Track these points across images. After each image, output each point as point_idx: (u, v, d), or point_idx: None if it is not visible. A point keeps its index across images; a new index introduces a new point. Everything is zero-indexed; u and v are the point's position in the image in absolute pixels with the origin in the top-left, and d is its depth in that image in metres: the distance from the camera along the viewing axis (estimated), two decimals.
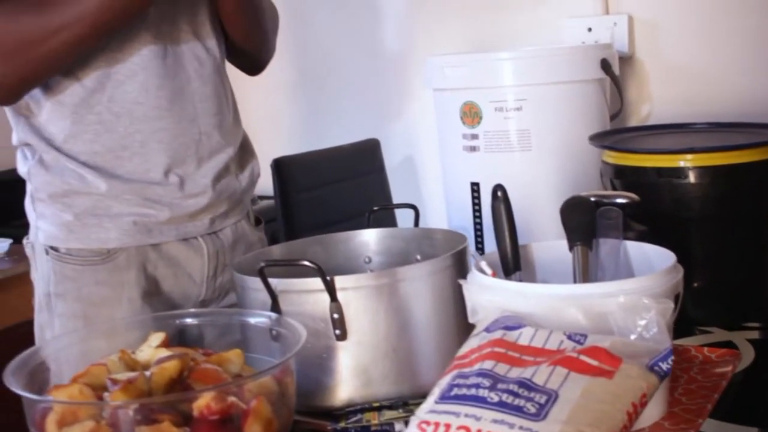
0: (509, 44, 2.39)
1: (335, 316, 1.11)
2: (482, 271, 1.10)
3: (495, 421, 0.84)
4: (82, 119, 1.31)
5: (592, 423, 0.84)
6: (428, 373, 1.13)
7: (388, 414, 1.09)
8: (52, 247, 1.36)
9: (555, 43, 2.27)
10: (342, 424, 1.08)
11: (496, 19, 2.45)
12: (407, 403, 1.11)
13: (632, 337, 0.94)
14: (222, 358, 1.02)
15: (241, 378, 0.98)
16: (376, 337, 1.13)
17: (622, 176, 1.45)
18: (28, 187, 1.39)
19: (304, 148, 2.57)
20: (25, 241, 1.43)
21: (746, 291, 1.41)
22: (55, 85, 1.30)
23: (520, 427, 0.83)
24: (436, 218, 2.44)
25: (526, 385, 0.87)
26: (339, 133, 2.72)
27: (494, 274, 1.10)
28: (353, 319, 1.11)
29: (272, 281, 1.12)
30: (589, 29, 2.23)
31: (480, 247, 1.85)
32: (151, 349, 1.04)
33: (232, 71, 1.52)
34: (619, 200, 1.20)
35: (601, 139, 1.58)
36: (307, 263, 1.10)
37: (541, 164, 1.79)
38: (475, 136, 1.81)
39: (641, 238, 1.20)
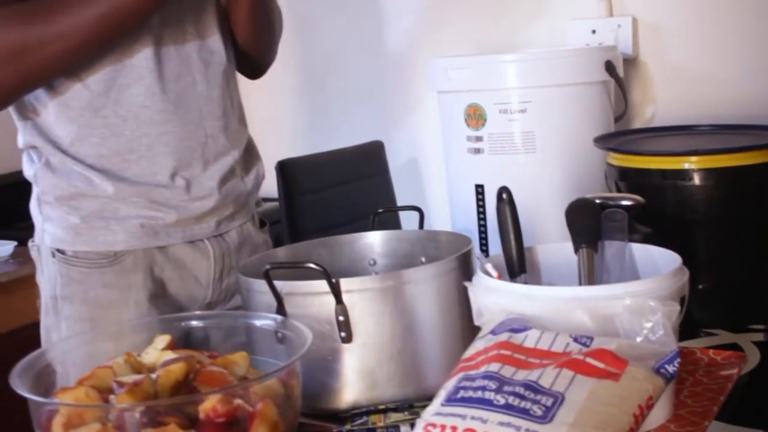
0: (513, 46, 2.39)
1: (340, 318, 1.11)
2: (488, 273, 1.10)
3: (501, 424, 0.84)
4: (89, 123, 1.32)
5: (598, 425, 0.84)
6: (433, 375, 1.13)
7: (394, 416, 1.09)
8: (58, 250, 1.36)
9: (559, 46, 2.27)
10: (347, 427, 1.08)
11: (500, 22, 2.45)
12: (413, 405, 1.11)
13: (638, 339, 0.94)
14: (228, 361, 1.02)
15: (247, 380, 0.98)
16: (381, 340, 1.13)
17: (627, 178, 1.45)
18: (35, 190, 1.39)
19: (309, 150, 2.58)
20: (30, 243, 1.43)
21: (751, 293, 1.41)
22: (62, 88, 1.31)
23: (527, 430, 0.83)
24: (440, 220, 2.44)
25: (533, 387, 0.87)
26: (343, 135, 2.73)
27: (500, 277, 1.10)
28: (358, 322, 1.11)
29: (277, 284, 1.12)
30: (593, 31, 2.23)
31: (484, 249, 1.85)
32: (157, 352, 1.04)
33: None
34: (625, 202, 1.20)
35: (605, 141, 1.59)
36: (312, 266, 1.10)
37: (546, 166, 1.79)
38: (479, 138, 1.81)
39: (646, 240, 1.20)
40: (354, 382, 1.13)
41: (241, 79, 1.54)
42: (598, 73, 1.84)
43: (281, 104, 3.02)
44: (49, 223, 1.37)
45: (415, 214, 1.39)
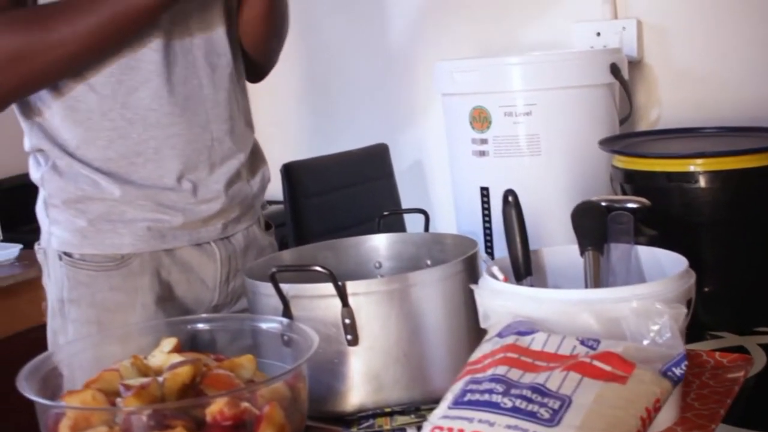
0: (518, 49, 2.39)
1: (347, 321, 1.11)
2: (494, 276, 1.10)
3: (509, 427, 0.84)
4: (96, 125, 1.32)
5: (605, 428, 0.84)
6: (440, 378, 1.13)
7: (400, 419, 1.09)
8: (65, 253, 1.36)
9: (564, 48, 2.27)
10: (354, 430, 1.08)
11: (505, 24, 2.45)
12: (419, 408, 1.11)
13: (645, 342, 0.94)
14: (234, 364, 1.02)
15: (254, 384, 0.98)
16: (387, 343, 1.13)
17: (632, 181, 1.45)
18: (41, 193, 1.39)
19: (313, 153, 2.58)
20: (36, 246, 1.43)
21: (757, 295, 1.41)
22: (68, 91, 1.31)
23: None
24: (444, 223, 2.44)
25: (540, 390, 0.87)
26: (348, 138, 2.73)
27: (506, 279, 1.10)
28: (365, 325, 1.12)
29: (284, 286, 1.12)
30: (598, 34, 2.23)
31: (489, 252, 1.85)
32: (164, 355, 1.04)
33: None
34: (631, 205, 1.20)
35: (610, 144, 1.59)
36: (319, 269, 1.10)
37: (551, 169, 1.79)
38: (484, 141, 1.81)
39: (652, 243, 1.20)
40: (360, 385, 1.13)
41: (247, 83, 1.54)
42: (602, 75, 1.84)
43: (286, 107, 3.02)
44: (56, 226, 1.37)
45: (420, 217, 1.39)
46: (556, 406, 0.85)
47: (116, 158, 1.33)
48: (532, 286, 1.16)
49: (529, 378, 0.89)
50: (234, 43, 1.44)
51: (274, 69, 1.61)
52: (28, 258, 2.63)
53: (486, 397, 0.88)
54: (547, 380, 0.88)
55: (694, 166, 1.37)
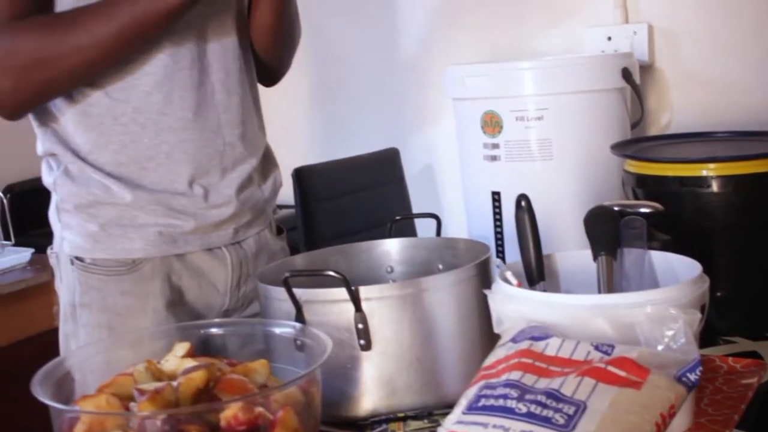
0: (529, 54, 2.39)
1: (360, 326, 1.11)
2: (507, 281, 1.10)
3: None
4: (108, 130, 1.32)
5: None
6: (453, 383, 1.13)
7: (413, 424, 1.09)
8: (77, 258, 1.36)
9: (575, 53, 2.27)
10: None
11: (516, 29, 2.45)
12: (432, 413, 1.11)
13: (659, 347, 0.93)
14: (248, 369, 1.01)
15: (268, 388, 0.98)
16: (400, 347, 1.13)
17: (644, 185, 1.45)
18: (54, 198, 1.40)
19: (325, 157, 2.58)
20: (49, 251, 1.44)
21: None
22: (81, 96, 1.31)
23: None
24: (455, 227, 2.44)
25: (554, 395, 0.87)
26: (358, 142, 2.73)
27: (519, 284, 1.10)
28: (377, 329, 1.11)
29: (296, 291, 1.12)
30: (609, 38, 2.23)
31: (501, 257, 1.85)
32: (177, 359, 1.04)
33: None
34: (644, 210, 1.20)
35: (622, 148, 1.58)
36: (332, 273, 1.10)
37: (563, 173, 1.79)
38: (496, 146, 1.81)
39: (665, 247, 1.20)
40: (373, 390, 1.13)
41: (259, 87, 1.54)
42: (614, 80, 1.84)
43: (297, 112, 3.03)
44: (68, 231, 1.37)
45: (431, 221, 1.39)
46: (571, 411, 0.85)
47: (128, 163, 1.34)
48: (545, 291, 1.15)
49: (543, 383, 0.89)
50: (247, 48, 1.44)
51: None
52: (40, 262, 2.63)
53: (500, 402, 0.88)
54: (562, 385, 0.88)
55: (707, 170, 1.37)
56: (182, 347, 1.06)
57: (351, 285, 1.10)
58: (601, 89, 1.83)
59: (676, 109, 2.20)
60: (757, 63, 2.08)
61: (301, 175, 2.38)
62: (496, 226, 1.85)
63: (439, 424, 0.93)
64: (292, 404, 0.94)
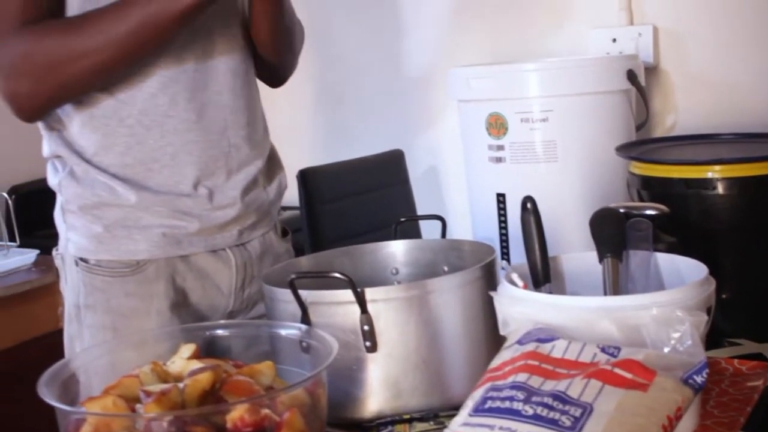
0: (534, 55, 2.39)
1: (365, 328, 1.11)
2: (513, 282, 1.10)
3: None
4: (113, 132, 1.32)
5: None
6: (459, 385, 1.13)
7: (419, 426, 1.09)
8: (82, 259, 1.37)
9: (580, 54, 2.27)
10: None
11: (521, 31, 2.45)
12: (438, 415, 1.11)
13: (666, 349, 0.93)
14: (254, 370, 1.01)
15: (275, 390, 0.98)
16: (406, 349, 1.13)
17: (650, 187, 1.45)
18: (59, 199, 1.40)
19: (329, 159, 2.58)
20: (54, 252, 1.44)
21: None
22: (86, 97, 1.31)
23: None
24: (460, 229, 2.43)
25: (561, 398, 0.87)
26: (363, 144, 2.73)
27: (525, 286, 1.10)
28: (383, 331, 1.11)
29: (302, 293, 1.12)
30: (614, 40, 2.23)
31: (506, 258, 1.85)
32: (183, 361, 1.04)
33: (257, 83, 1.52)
34: (649, 212, 1.20)
35: (627, 150, 1.58)
36: (338, 275, 1.10)
37: (568, 175, 1.79)
38: (500, 147, 1.81)
39: (671, 249, 1.20)
40: (379, 392, 1.13)
41: (263, 88, 1.55)
42: (619, 81, 1.84)
43: (302, 113, 3.03)
44: (73, 232, 1.38)
45: (435, 223, 1.39)
46: (578, 413, 0.85)
47: (133, 164, 1.34)
48: (550, 292, 1.15)
49: (550, 385, 0.89)
50: (251, 50, 1.44)
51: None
52: (44, 263, 2.63)
53: (507, 404, 0.88)
54: (568, 388, 0.88)
55: (712, 172, 1.37)
56: (188, 349, 1.06)
57: (356, 287, 1.10)
58: (606, 91, 1.83)
59: (681, 110, 2.20)
60: (762, 65, 2.08)
61: (306, 177, 2.37)
62: (500, 228, 1.85)
63: (445, 426, 0.93)
64: (298, 406, 0.94)
